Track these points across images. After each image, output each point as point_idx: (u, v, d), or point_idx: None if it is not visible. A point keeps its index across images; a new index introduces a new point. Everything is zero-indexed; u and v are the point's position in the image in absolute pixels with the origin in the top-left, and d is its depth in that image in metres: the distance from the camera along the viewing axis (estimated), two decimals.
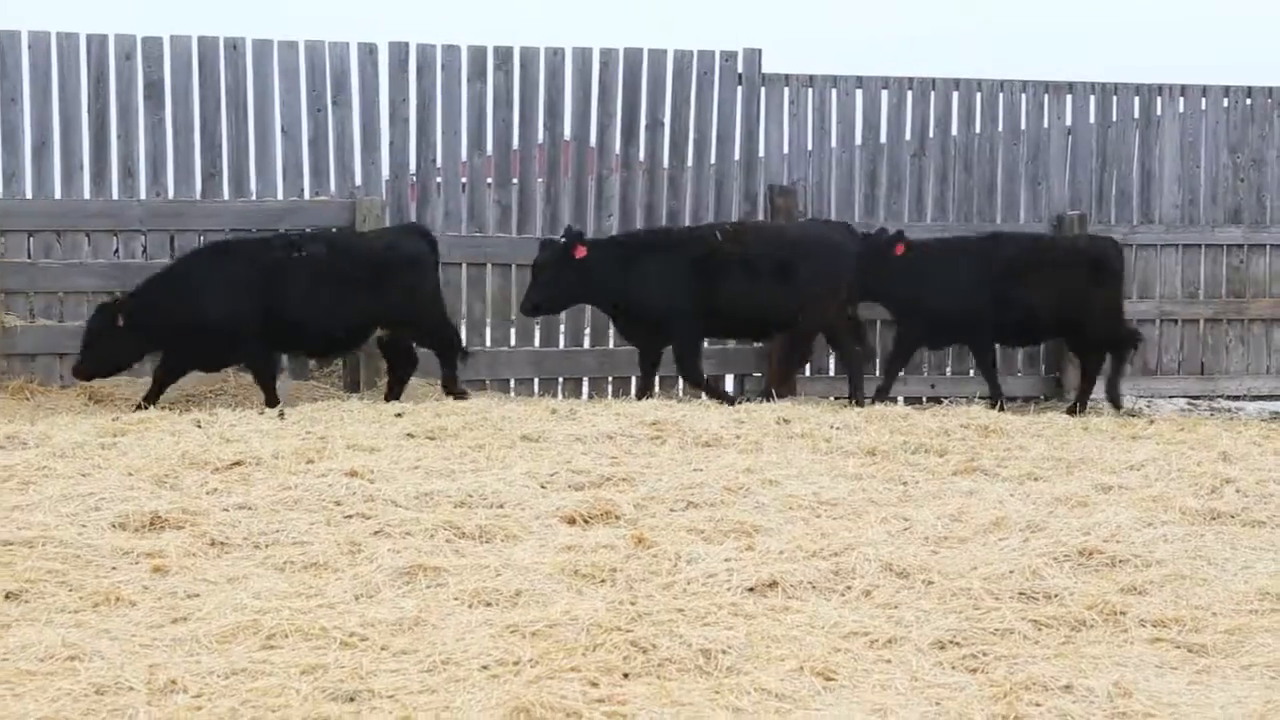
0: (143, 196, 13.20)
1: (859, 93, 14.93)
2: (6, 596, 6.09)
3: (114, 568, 6.61)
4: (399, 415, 10.86)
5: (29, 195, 12.97)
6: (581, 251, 12.68)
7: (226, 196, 13.44)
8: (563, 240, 12.83)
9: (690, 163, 14.57)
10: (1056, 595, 6.30)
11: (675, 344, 13.09)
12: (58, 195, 13.06)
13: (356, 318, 12.29)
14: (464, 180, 14.23)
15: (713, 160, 14.64)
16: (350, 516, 7.63)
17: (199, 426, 10.21)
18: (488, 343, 13.85)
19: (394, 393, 12.53)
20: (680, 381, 13.76)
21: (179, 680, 5.00)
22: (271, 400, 12.02)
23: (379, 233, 12.81)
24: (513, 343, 14.04)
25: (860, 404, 13.01)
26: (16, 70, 12.94)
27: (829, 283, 13.25)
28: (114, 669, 5.10)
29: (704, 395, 13.09)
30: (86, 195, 13.11)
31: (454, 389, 12.55)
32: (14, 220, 12.56)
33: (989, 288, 13.44)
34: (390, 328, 12.48)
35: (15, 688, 4.94)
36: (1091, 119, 15.49)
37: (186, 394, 12.52)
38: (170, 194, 13.32)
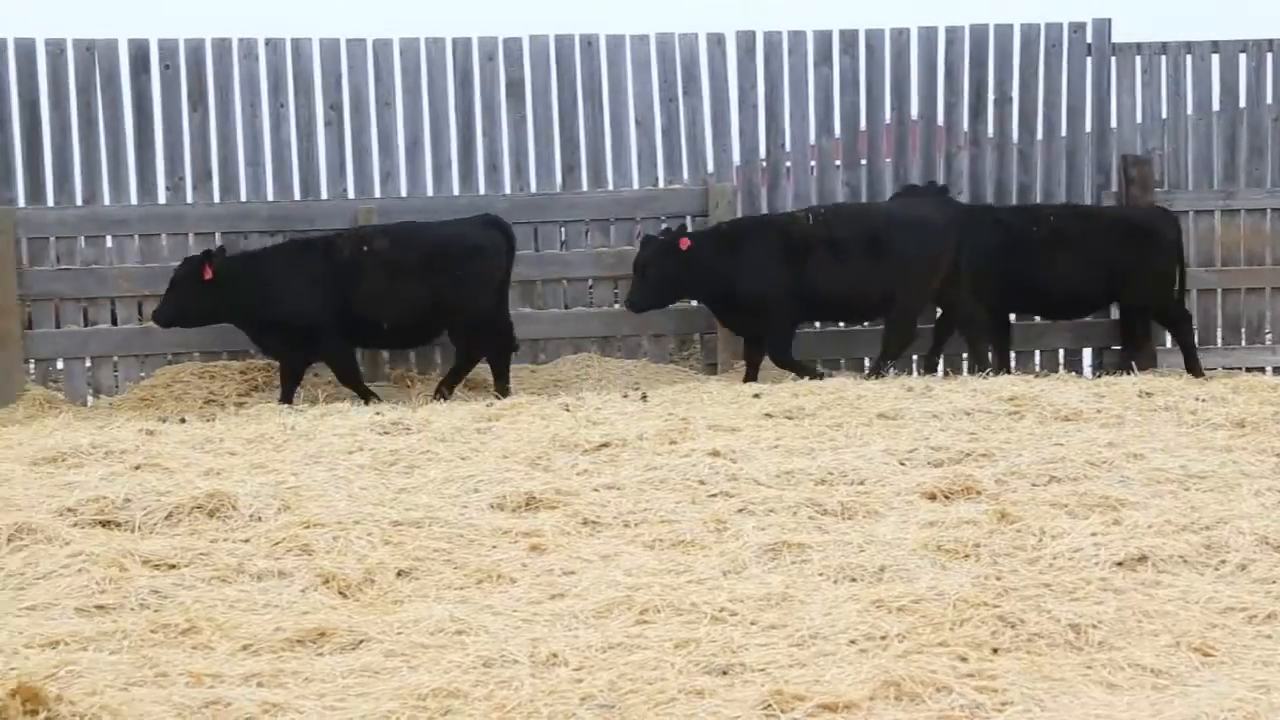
0: (507, 191, 13.58)
1: (1215, 58, 14.34)
2: (399, 574, 6.35)
3: (494, 546, 6.82)
4: (757, 396, 10.92)
5: (403, 193, 13.48)
6: (686, 243, 12.60)
7: (585, 188, 13.72)
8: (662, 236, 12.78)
9: (1040, 136, 14.24)
10: None
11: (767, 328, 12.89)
12: (429, 192, 13.53)
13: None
14: (812, 163, 14.21)
15: (1063, 133, 14.27)
16: (714, 495, 7.71)
17: (567, 410, 10.46)
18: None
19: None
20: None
21: (560, 654, 5.13)
22: (360, 391, 12.22)
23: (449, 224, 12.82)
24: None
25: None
26: (390, 75, 13.45)
27: (920, 261, 12.87)
28: (498, 642, 5.26)
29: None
30: (455, 191, 13.55)
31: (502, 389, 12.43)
32: (391, 217, 13.06)
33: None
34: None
35: (410, 660, 5.15)
36: None
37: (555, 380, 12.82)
38: (532, 188, 13.66)
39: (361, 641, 5.37)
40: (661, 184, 13.81)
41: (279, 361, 12.35)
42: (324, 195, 13.34)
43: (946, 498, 7.59)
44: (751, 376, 12.63)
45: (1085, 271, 13.27)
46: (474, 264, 12.37)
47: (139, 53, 13.13)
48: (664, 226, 13.19)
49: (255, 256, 12.35)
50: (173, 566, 6.43)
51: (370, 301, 12.13)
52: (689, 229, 13.00)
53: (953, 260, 12.93)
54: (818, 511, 7.29)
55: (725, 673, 4.98)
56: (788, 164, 14.07)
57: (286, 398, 12.00)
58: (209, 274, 11.87)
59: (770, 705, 4.61)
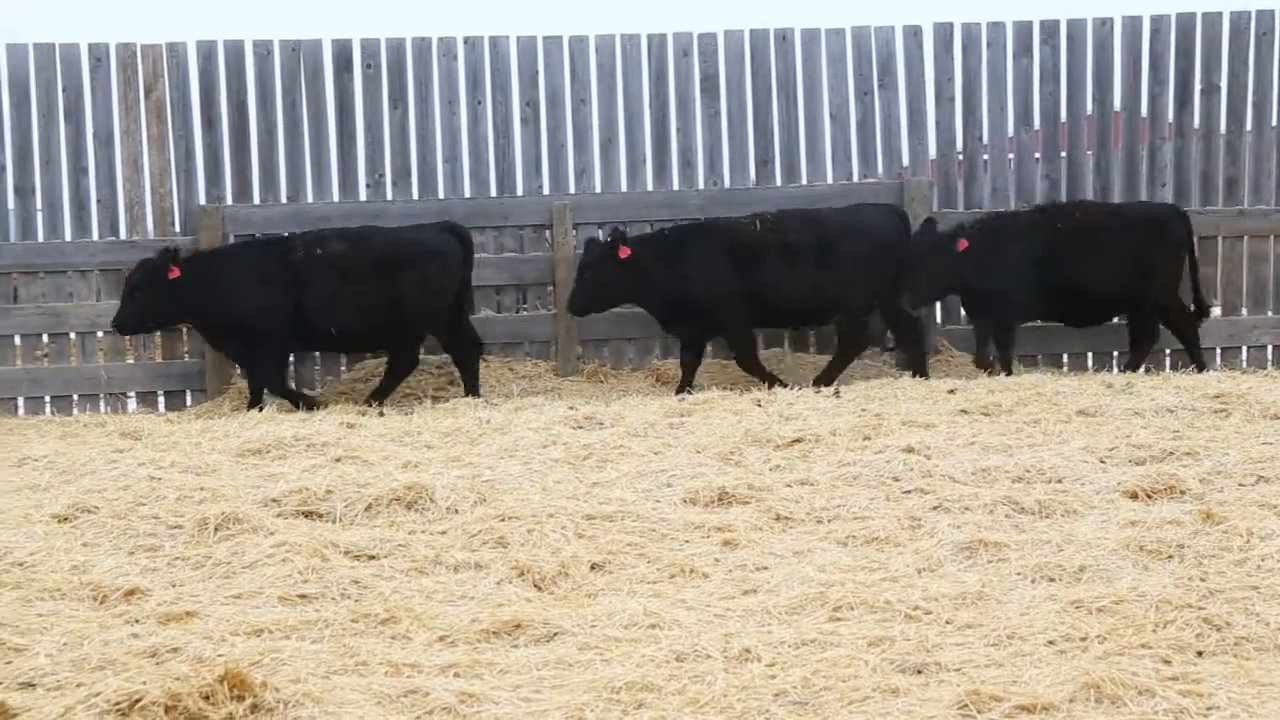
0: (700, 186, 13.60)
1: None
2: (592, 567, 6.40)
3: (687, 541, 6.84)
4: (951, 392, 10.81)
5: (598, 189, 13.57)
6: (625, 252, 12.27)
7: (778, 183, 13.68)
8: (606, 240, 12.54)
9: (1249, 127, 13.85)
10: None
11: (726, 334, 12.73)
12: (623, 188, 13.60)
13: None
14: (1010, 156, 14.00)
15: (1274, 123, 13.85)
16: (909, 492, 7.64)
17: (759, 405, 10.44)
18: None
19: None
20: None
21: (753, 649, 5.13)
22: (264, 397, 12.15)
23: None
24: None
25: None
26: (586, 72, 13.54)
27: (873, 267, 12.57)
28: (691, 637, 5.27)
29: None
30: (649, 187, 13.60)
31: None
32: (586, 213, 13.15)
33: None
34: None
35: (604, 653, 5.18)
36: None
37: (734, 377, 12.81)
38: (726, 183, 13.66)
39: (556, 634, 5.42)
40: (856, 178, 13.72)
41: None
42: (519, 192, 13.48)
43: (1149, 497, 7.42)
44: (687, 382, 12.46)
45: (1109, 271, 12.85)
46: (429, 269, 12.37)
47: (342, 53, 13.39)
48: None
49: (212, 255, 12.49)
50: (372, 557, 6.56)
51: (321, 305, 12.19)
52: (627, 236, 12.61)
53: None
54: (1015, 510, 7.18)
55: (920, 671, 4.93)
56: (985, 157, 13.87)
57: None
58: (175, 273, 11.94)
59: (966, 705, 4.55)
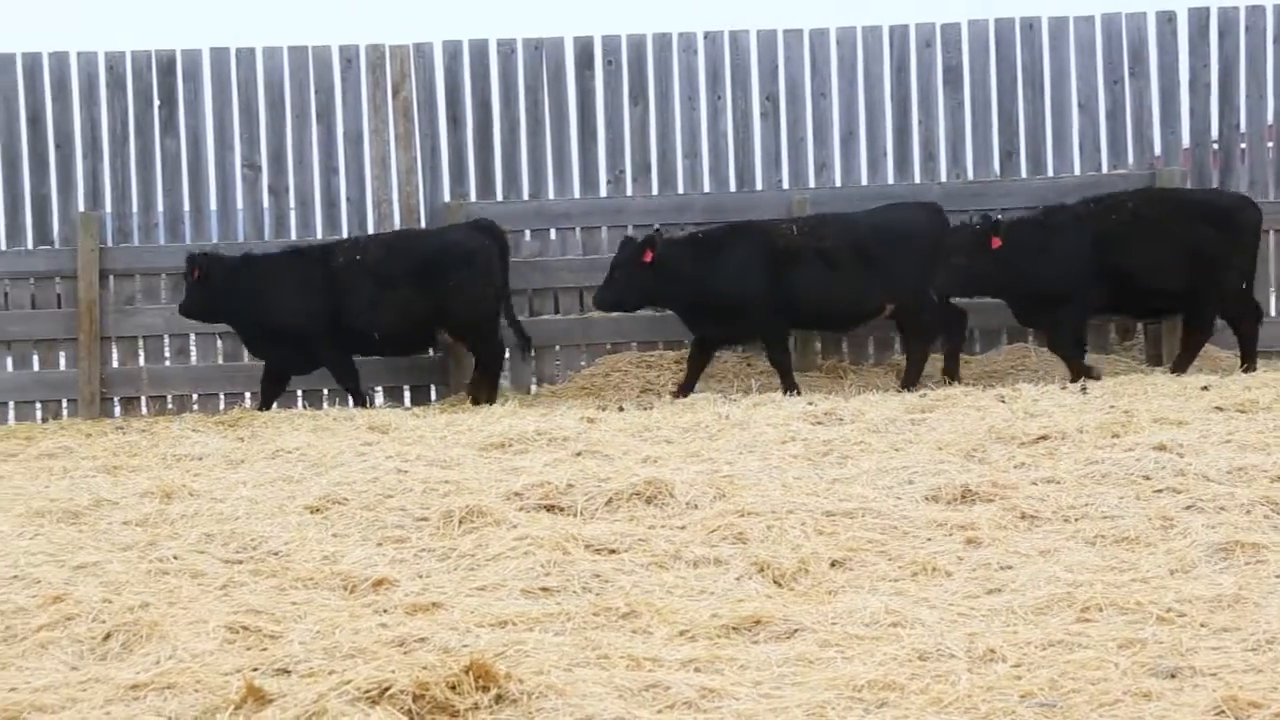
0: (943, 179, 13.44)
1: None
2: (832, 564, 6.36)
3: (929, 539, 6.76)
4: (1205, 388, 10.51)
5: (838, 183, 13.49)
6: (649, 255, 12.15)
7: (1023, 174, 13.45)
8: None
9: None
10: None
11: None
12: (863, 182, 13.51)
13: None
14: (1269, 144, 13.55)
15: None
16: (1160, 491, 7.42)
17: (1003, 402, 10.28)
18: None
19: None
20: None
21: (997, 649, 5.05)
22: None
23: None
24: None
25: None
26: (826, 66, 13.49)
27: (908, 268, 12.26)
28: (934, 636, 5.21)
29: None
30: (890, 180, 13.48)
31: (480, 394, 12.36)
32: (825, 207, 13.08)
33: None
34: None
35: (845, 650, 5.14)
36: None
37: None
38: (969, 175, 13.48)
39: (796, 631, 5.40)
40: (1105, 169, 13.42)
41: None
42: (759, 186, 13.47)
43: None
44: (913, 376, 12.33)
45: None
46: (467, 270, 12.48)
47: (583, 50, 13.54)
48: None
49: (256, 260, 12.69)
50: (613, 551, 6.61)
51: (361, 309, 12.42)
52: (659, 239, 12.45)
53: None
54: (1274, 510, 6.93)
55: (1173, 675, 4.80)
56: (1242, 146, 13.45)
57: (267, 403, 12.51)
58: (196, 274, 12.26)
59: (1223, 711, 4.42)
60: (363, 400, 12.41)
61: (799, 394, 11.69)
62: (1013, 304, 12.57)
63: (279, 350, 12.49)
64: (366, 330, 12.40)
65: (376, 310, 12.34)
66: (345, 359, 12.48)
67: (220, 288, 12.20)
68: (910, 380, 12.17)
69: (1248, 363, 12.13)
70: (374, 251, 12.49)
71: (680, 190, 13.46)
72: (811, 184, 13.46)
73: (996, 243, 12.06)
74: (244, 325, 12.52)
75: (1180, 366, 12.18)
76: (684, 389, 12.23)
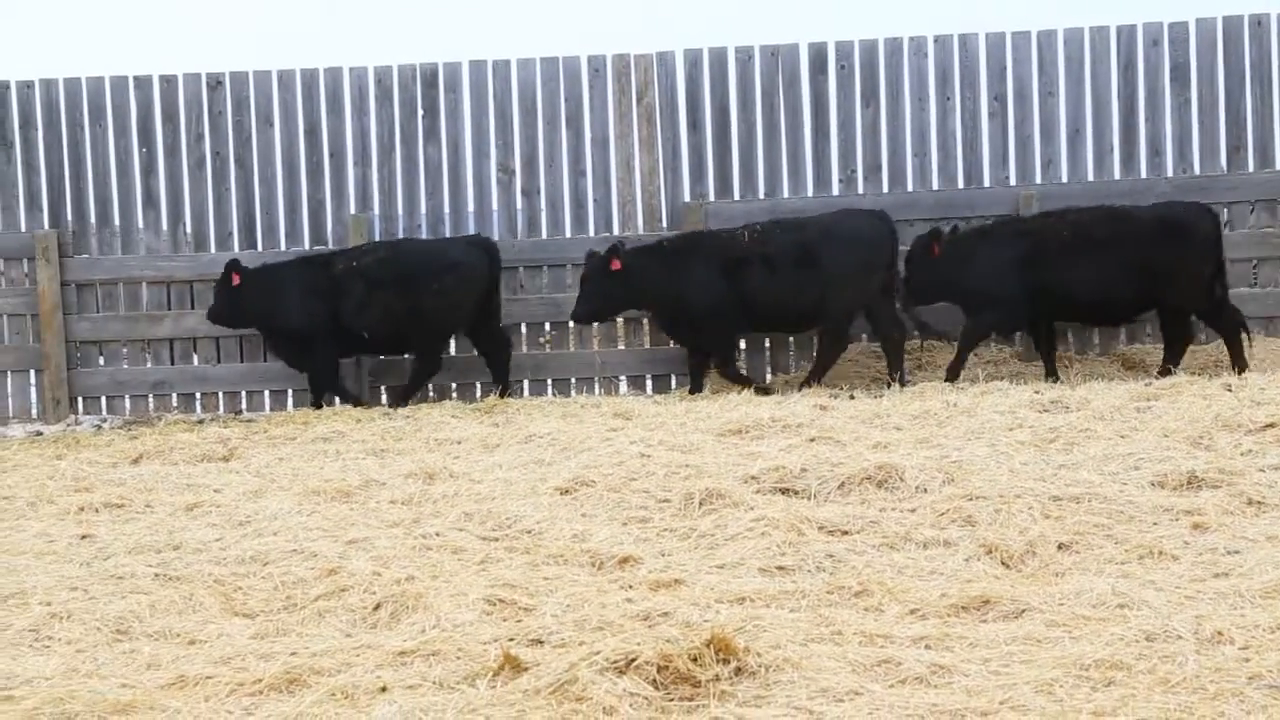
0: (1169, 173, 13.07)
1: None
2: (1059, 547, 6.24)
3: (1154, 523, 6.58)
4: None
5: (1064, 179, 13.22)
6: (616, 265, 12.25)
7: (1250, 169, 13.02)
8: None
9: None
10: None
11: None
12: (1089, 178, 13.22)
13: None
14: None
15: None
16: None
17: (1229, 390, 9.95)
18: None
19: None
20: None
21: (1225, 632, 4.89)
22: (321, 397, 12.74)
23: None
24: None
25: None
26: (1053, 66, 13.24)
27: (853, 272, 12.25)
28: (1161, 618, 5.07)
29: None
30: (1116, 176, 13.17)
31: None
32: (1050, 202, 12.81)
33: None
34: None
35: (1072, 630, 5.04)
36: None
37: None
38: (1195, 169, 13.09)
39: (1024, 611, 5.31)
40: None
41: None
42: (986, 183, 13.27)
43: None
44: (697, 387, 12.50)
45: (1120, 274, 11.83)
46: (449, 279, 12.53)
47: (817, 55, 13.49)
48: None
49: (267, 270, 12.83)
50: (845, 533, 6.58)
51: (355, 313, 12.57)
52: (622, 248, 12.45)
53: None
54: None
55: None
56: None
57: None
58: (236, 280, 12.51)
59: None
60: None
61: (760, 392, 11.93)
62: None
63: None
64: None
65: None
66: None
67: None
68: (816, 376, 12.39)
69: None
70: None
71: (909, 188, 13.34)
72: (1038, 180, 13.21)
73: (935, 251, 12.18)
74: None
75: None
76: (692, 390, 12.51)
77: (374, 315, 12.55)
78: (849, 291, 12.27)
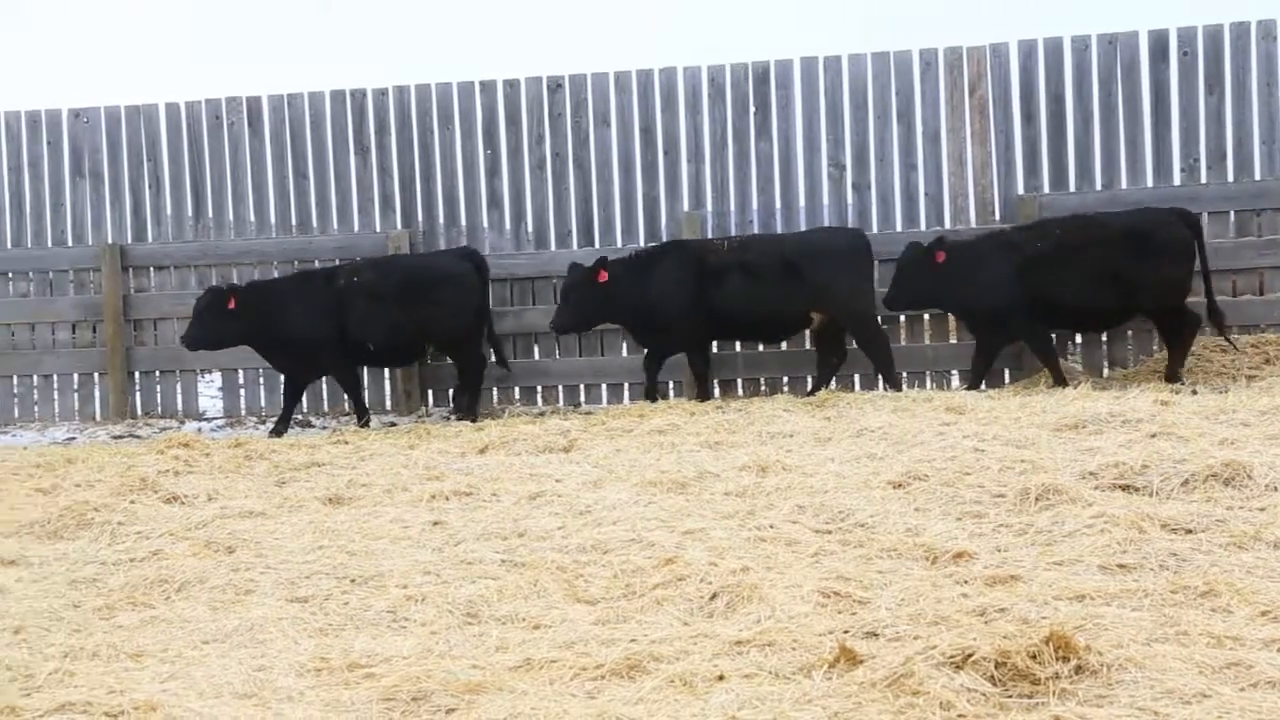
0: None
1: None
2: None
3: None
4: None
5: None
6: (604, 276, 12.41)
7: None
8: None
9: None
10: None
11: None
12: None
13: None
14: None
15: None
16: None
17: None
18: None
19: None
20: None
21: None
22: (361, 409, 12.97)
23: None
24: None
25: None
26: None
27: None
28: None
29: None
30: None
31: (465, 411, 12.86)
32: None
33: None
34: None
35: None
36: None
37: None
38: None
39: None
40: None
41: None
42: None
43: None
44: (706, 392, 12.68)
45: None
46: (444, 291, 12.75)
47: (1158, 43, 13.05)
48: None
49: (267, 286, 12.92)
50: (1189, 531, 6.34)
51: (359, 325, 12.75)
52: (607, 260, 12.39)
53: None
54: None
55: None
56: None
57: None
58: (232, 304, 12.50)
59: None
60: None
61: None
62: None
63: None
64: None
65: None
66: None
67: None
68: (818, 385, 12.62)
69: None
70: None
71: (1257, 176, 12.77)
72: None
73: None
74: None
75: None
76: (701, 395, 12.58)
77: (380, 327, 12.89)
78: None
